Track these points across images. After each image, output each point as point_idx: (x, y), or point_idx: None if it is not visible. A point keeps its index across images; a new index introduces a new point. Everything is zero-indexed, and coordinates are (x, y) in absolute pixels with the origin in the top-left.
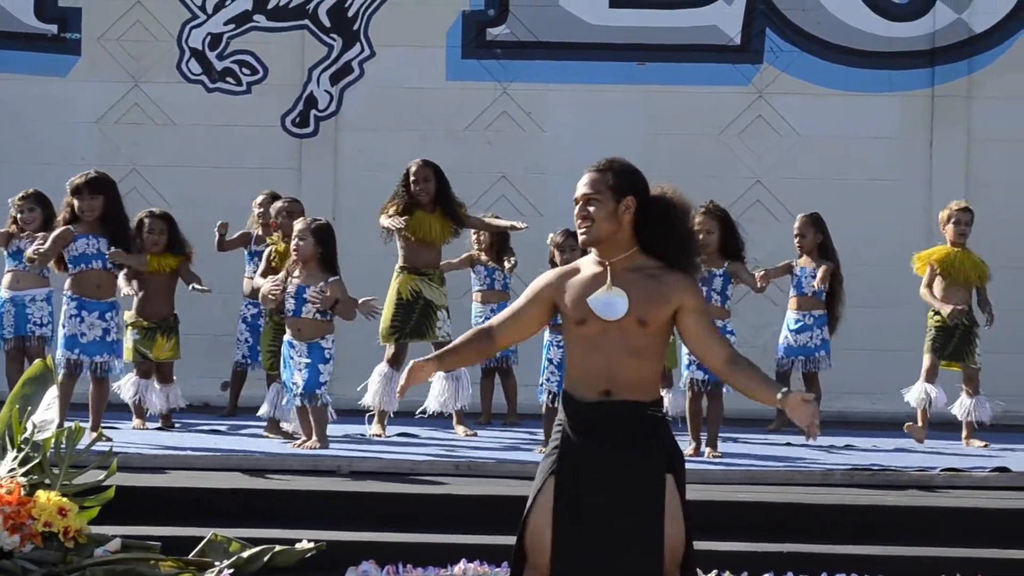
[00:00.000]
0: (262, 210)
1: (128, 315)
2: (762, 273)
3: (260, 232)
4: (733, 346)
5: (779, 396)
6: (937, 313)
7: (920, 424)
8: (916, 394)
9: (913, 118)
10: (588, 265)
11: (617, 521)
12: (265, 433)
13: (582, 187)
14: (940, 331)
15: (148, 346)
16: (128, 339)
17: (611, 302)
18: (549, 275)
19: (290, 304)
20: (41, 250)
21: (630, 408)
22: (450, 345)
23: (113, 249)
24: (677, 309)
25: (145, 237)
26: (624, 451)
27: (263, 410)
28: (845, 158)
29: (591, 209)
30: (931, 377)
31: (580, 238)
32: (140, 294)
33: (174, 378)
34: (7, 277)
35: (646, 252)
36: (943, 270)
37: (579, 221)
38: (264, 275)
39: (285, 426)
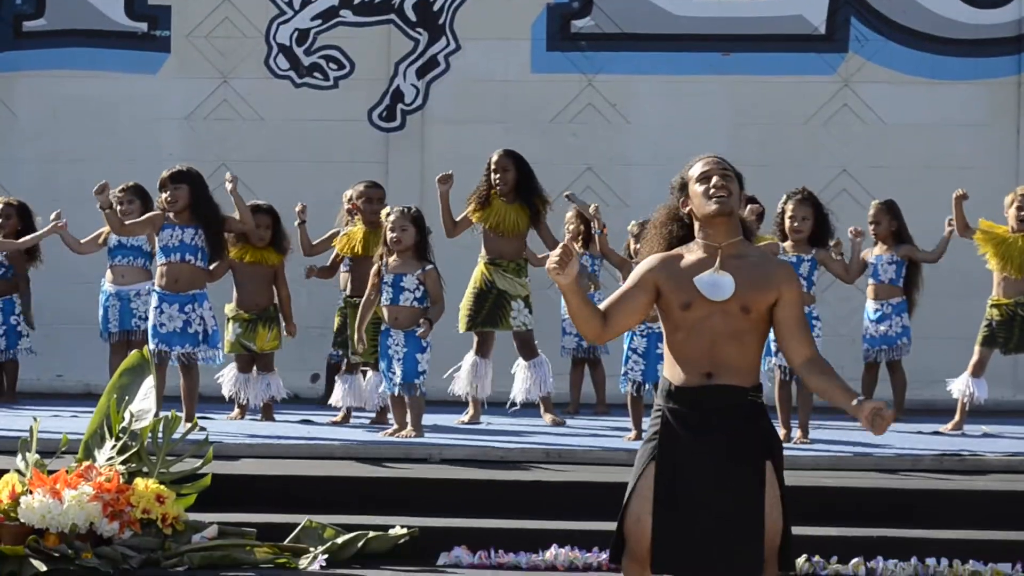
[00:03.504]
0: (351, 205)
1: (229, 308)
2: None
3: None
4: (816, 346)
5: (855, 403)
6: (995, 306)
7: (958, 418)
8: (959, 386)
9: (1000, 105)
10: (693, 251)
11: (717, 507)
12: (376, 419)
13: (712, 164)
14: (1001, 324)
15: (251, 338)
16: (230, 333)
17: (718, 282)
18: (652, 260)
19: (387, 293)
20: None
21: (731, 392)
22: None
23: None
24: (777, 298)
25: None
26: (724, 436)
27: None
28: (931, 146)
29: (728, 183)
30: (978, 371)
31: (715, 206)
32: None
33: (275, 368)
34: (110, 272)
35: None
36: (993, 256)
37: (716, 191)
38: (333, 265)
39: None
